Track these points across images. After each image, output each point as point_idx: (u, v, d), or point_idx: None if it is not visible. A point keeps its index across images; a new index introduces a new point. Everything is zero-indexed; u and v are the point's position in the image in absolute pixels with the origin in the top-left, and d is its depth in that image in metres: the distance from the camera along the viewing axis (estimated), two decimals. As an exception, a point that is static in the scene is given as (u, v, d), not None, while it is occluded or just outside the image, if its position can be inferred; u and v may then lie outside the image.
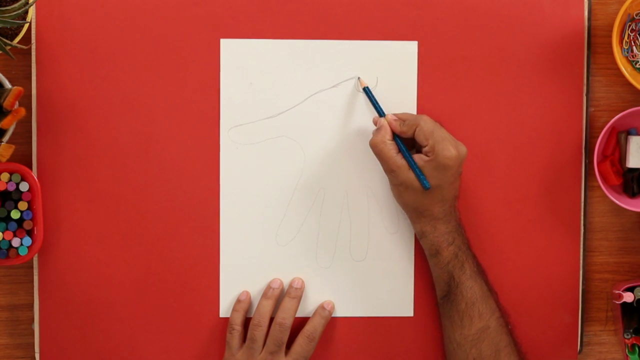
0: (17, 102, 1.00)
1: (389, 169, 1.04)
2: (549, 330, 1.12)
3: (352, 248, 1.11)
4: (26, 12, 1.01)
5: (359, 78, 1.09)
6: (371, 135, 1.07)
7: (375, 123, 1.07)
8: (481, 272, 1.06)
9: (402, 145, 1.05)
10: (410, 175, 1.03)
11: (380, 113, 1.07)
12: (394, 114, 1.07)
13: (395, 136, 1.05)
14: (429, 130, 1.03)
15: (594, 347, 1.15)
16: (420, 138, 1.03)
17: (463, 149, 1.04)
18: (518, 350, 1.06)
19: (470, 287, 1.04)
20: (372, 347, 1.11)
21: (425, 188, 1.03)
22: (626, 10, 1.07)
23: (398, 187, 1.05)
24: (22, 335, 1.11)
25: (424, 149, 1.03)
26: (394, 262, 1.11)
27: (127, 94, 1.08)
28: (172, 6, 1.08)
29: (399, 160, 1.04)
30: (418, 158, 1.04)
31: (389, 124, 1.05)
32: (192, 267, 1.10)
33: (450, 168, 1.03)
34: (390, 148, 1.04)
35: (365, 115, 1.09)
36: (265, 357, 1.06)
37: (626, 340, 1.10)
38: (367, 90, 1.08)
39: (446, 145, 1.02)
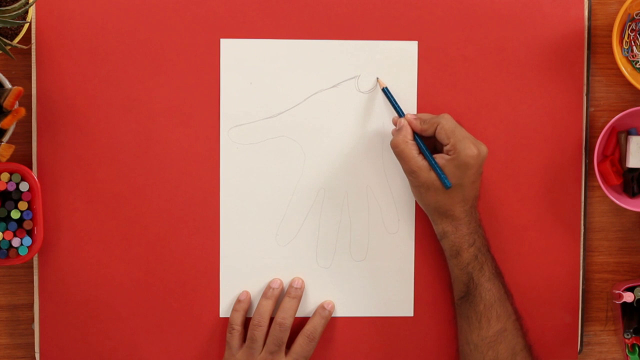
0: (17, 102, 1.00)
1: (410, 170, 1.04)
2: (549, 330, 1.12)
3: (352, 248, 1.11)
4: (26, 12, 1.01)
5: (377, 78, 1.09)
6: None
7: (394, 123, 1.07)
8: (499, 274, 1.06)
9: (422, 145, 1.04)
10: (431, 176, 1.03)
11: (400, 113, 1.07)
12: (413, 114, 1.06)
13: (416, 136, 1.05)
14: (450, 128, 1.03)
15: (594, 347, 1.15)
16: (441, 136, 1.03)
17: (484, 148, 1.04)
18: (532, 354, 1.06)
19: (489, 289, 1.04)
20: (372, 347, 1.11)
21: (447, 187, 1.02)
22: (626, 10, 1.07)
23: (419, 189, 1.05)
24: (22, 335, 1.11)
25: (445, 148, 1.03)
26: (394, 262, 1.11)
27: (127, 94, 1.08)
28: (172, 6, 1.08)
29: (420, 161, 1.04)
30: (439, 157, 1.03)
31: (409, 123, 1.05)
32: (192, 267, 1.10)
33: (471, 167, 1.02)
34: (412, 148, 1.04)
35: (365, 116, 1.10)
36: (265, 357, 1.06)
37: (626, 340, 1.10)
38: (386, 91, 1.08)
39: (467, 144, 1.02)
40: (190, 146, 1.09)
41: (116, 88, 1.08)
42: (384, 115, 1.09)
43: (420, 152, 1.04)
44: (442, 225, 1.05)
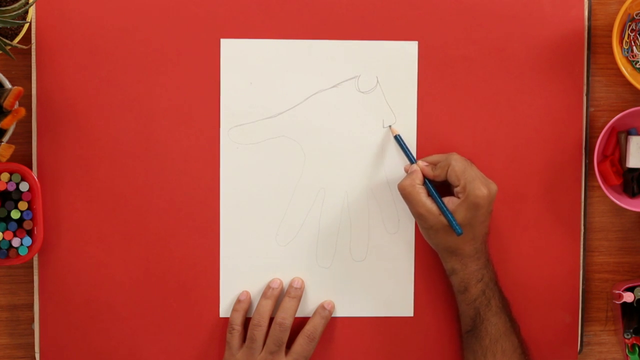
0: (17, 102, 1.00)
1: (418, 213, 1.04)
2: (549, 330, 1.12)
3: (352, 248, 1.11)
4: (26, 12, 1.01)
5: (390, 126, 1.09)
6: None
7: (406, 170, 1.08)
8: (506, 306, 1.06)
9: (433, 190, 1.05)
10: (440, 220, 1.03)
11: (412, 160, 1.07)
12: (425, 160, 1.07)
13: (427, 181, 1.05)
14: (460, 170, 1.03)
15: (594, 347, 1.15)
16: (452, 178, 1.04)
17: (494, 187, 1.04)
18: None
19: (495, 324, 1.04)
20: (372, 347, 1.11)
21: (458, 234, 1.02)
22: (626, 10, 1.07)
23: (428, 230, 1.05)
24: (22, 335, 1.11)
25: (456, 189, 1.04)
26: (394, 262, 1.11)
27: (127, 94, 1.08)
28: (172, 6, 1.08)
29: (428, 204, 1.04)
30: (449, 202, 1.04)
31: (422, 170, 1.06)
32: (192, 267, 1.10)
33: (481, 207, 1.03)
34: (420, 192, 1.04)
35: (365, 116, 1.10)
36: (265, 357, 1.06)
37: (626, 340, 1.10)
38: (398, 138, 1.08)
39: (477, 185, 1.02)
40: (190, 146, 1.09)
41: (116, 88, 1.08)
42: (384, 115, 1.09)
43: (429, 194, 1.05)
44: (451, 263, 1.05)
